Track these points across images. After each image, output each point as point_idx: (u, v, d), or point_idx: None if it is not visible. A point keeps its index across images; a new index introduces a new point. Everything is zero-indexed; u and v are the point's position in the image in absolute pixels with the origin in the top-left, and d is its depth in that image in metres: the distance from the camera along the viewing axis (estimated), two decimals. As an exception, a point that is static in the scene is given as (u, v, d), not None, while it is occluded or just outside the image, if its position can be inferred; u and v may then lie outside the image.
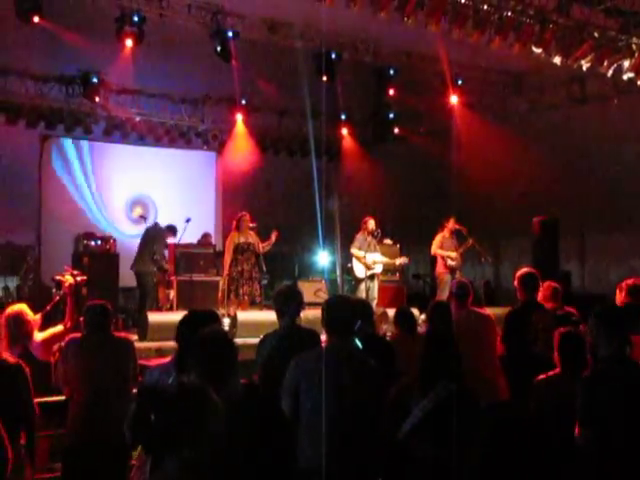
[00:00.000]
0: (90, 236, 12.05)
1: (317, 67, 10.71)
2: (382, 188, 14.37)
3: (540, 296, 6.11)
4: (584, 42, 8.75)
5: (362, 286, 10.36)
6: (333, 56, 11.01)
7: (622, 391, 3.78)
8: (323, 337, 4.32)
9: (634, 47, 8.95)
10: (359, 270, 10.47)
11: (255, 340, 7.12)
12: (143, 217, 11.39)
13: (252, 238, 10.00)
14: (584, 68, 9.03)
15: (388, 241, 12.34)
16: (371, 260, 10.39)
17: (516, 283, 6.02)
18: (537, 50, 8.61)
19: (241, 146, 13.93)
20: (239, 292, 9.79)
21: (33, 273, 12.28)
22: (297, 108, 12.33)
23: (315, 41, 10.60)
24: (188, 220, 10.85)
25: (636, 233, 11.32)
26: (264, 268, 10.24)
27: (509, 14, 8.42)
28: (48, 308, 5.78)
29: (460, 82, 12.34)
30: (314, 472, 3.48)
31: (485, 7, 8.30)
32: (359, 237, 10.56)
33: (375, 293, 10.53)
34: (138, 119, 13.15)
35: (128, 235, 13.20)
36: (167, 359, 4.07)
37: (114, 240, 12.14)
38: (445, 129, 13.38)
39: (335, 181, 15.65)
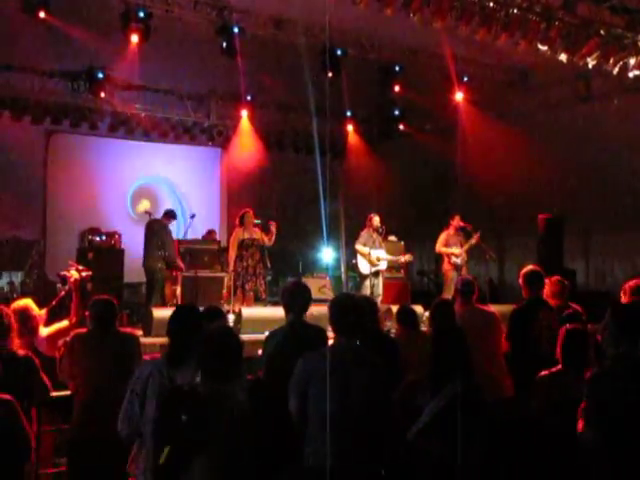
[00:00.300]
0: (95, 231, 12.08)
1: (322, 64, 10.69)
2: (387, 185, 14.36)
3: (546, 291, 6.12)
4: (590, 39, 8.71)
5: (367, 283, 10.37)
6: (338, 53, 10.99)
7: (630, 390, 3.78)
8: (330, 334, 4.32)
9: (640, 44, 8.93)
10: (364, 267, 10.48)
11: (259, 336, 7.13)
12: (148, 213, 11.38)
13: (256, 234, 10.02)
14: (590, 66, 9.00)
15: (393, 238, 12.34)
16: (375, 257, 10.40)
17: (521, 281, 6.02)
18: (543, 47, 8.58)
19: (246, 142, 13.93)
20: (245, 288, 9.82)
21: (38, 268, 12.32)
22: (302, 105, 12.31)
23: (320, 38, 10.58)
24: (193, 216, 10.88)
25: (641, 231, 11.30)
26: (269, 264, 10.26)
27: (515, 11, 8.39)
28: (53, 303, 5.79)
29: (465, 79, 12.30)
30: (321, 471, 3.49)
31: (491, 4, 8.28)
32: (364, 234, 10.57)
33: (380, 290, 10.55)
34: (143, 115, 13.15)
35: (133, 231, 13.23)
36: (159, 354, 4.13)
37: (119, 235, 12.16)
38: (450, 126, 13.35)
39: (340, 178, 15.65)
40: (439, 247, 10.95)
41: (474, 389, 3.64)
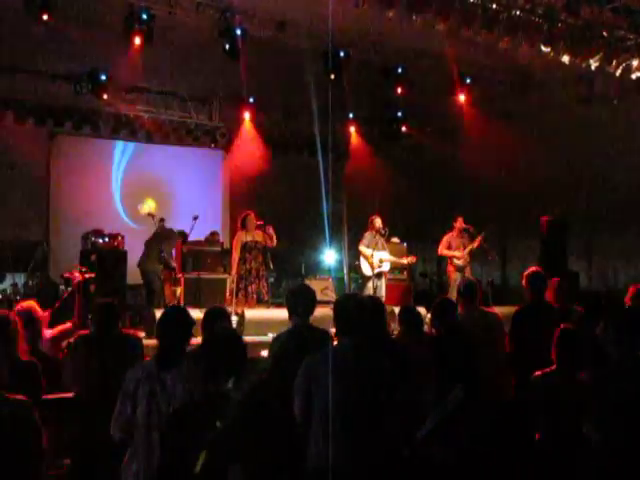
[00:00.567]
0: (98, 233, 12.07)
1: (325, 65, 10.70)
2: (389, 186, 14.36)
3: (549, 293, 6.12)
4: (593, 41, 8.73)
5: (369, 284, 10.37)
6: (341, 54, 10.99)
7: (630, 392, 3.78)
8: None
9: (643, 46, 8.93)
10: (366, 268, 10.48)
11: (262, 338, 7.13)
12: (151, 215, 11.41)
13: (259, 236, 10.03)
14: (592, 67, 9.01)
15: (395, 239, 12.33)
16: (378, 259, 10.40)
17: (524, 283, 6.02)
18: (546, 49, 8.60)
19: (248, 144, 13.93)
20: (248, 290, 9.82)
21: (41, 270, 12.33)
22: (305, 106, 12.32)
23: (323, 39, 10.58)
24: (196, 218, 10.88)
25: (644, 233, 11.30)
26: (271, 266, 10.26)
27: (518, 13, 8.41)
28: (57, 305, 5.81)
29: (468, 80, 12.29)
30: (325, 472, 3.49)
31: (494, 6, 8.30)
32: (367, 235, 10.58)
33: (382, 291, 10.54)
34: (146, 117, 13.17)
35: (136, 232, 13.23)
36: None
37: (122, 237, 12.17)
38: (453, 128, 13.36)
39: (342, 179, 15.66)
40: (441, 250, 11.00)
41: (478, 394, 3.63)
